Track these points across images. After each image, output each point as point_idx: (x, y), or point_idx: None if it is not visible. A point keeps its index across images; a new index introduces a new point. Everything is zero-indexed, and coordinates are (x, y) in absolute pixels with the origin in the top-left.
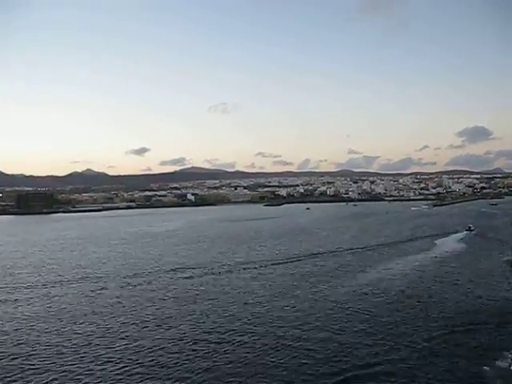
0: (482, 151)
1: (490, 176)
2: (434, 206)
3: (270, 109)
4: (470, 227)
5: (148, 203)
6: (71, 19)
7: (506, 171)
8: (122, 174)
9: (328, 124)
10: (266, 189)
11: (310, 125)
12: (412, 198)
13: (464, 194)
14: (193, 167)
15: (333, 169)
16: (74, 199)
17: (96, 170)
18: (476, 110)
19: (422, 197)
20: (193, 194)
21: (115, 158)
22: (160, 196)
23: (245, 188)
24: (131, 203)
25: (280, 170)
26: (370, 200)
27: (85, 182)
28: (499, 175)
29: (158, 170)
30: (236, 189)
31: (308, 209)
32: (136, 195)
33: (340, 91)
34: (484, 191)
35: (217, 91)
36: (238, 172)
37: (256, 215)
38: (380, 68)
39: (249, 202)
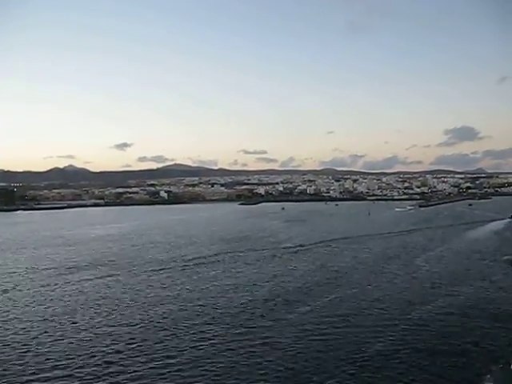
0: (469, 151)
1: (474, 176)
2: (420, 206)
3: (254, 105)
4: None
5: (118, 201)
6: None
7: (489, 171)
8: (104, 170)
9: (314, 122)
10: (244, 186)
11: (296, 122)
12: (396, 197)
13: (450, 193)
14: (175, 164)
15: (317, 167)
16: (41, 195)
17: (78, 165)
18: (464, 109)
19: (406, 196)
20: (166, 192)
21: (98, 154)
22: (131, 193)
23: (222, 186)
24: (99, 201)
25: (263, 168)
26: (351, 199)
27: (65, 177)
28: (483, 175)
29: (141, 166)
30: (213, 186)
31: (283, 209)
32: (107, 192)
33: (327, 89)
34: (470, 191)
35: (202, 87)
36: (221, 169)
37: (218, 217)
38: (368, 66)
39: (225, 200)
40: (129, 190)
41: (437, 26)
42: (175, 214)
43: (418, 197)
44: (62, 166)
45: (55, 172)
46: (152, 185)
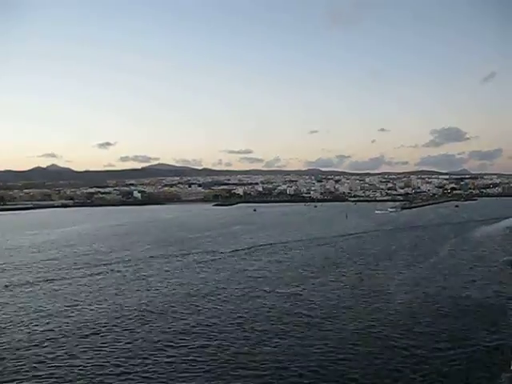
0: (455, 152)
1: (458, 177)
2: (403, 208)
3: (239, 105)
4: None
5: (88, 201)
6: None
7: (473, 172)
8: (87, 170)
9: (296, 121)
10: (222, 187)
11: (282, 123)
12: (378, 198)
13: (434, 195)
14: (159, 164)
15: (302, 167)
16: (11, 195)
17: (61, 165)
18: (451, 109)
19: (388, 197)
20: (140, 192)
21: (82, 154)
22: (103, 193)
23: (199, 186)
24: (69, 201)
25: (248, 168)
26: (332, 200)
27: (46, 177)
28: (467, 176)
29: (125, 166)
30: (190, 186)
31: (255, 210)
32: (78, 192)
33: (309, 87)
34: (455, 192)
35: (186, 87)
36: (205, 169)
37: (178, 220)
38: (358, 64)
39: (202, 200)
40: (101, 190)
41: (418, 30)
42: (138, 215)
43: (401, 198)
44: (44, 166)
45: (37, 171)
46: (131, 184)
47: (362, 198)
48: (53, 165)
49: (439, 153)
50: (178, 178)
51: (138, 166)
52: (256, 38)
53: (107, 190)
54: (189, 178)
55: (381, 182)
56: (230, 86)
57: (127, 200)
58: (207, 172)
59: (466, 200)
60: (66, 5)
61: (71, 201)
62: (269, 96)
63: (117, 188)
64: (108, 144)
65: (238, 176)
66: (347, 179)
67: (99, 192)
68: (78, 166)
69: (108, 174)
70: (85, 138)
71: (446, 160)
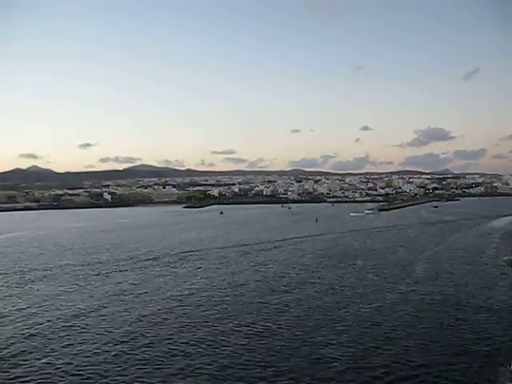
0: (440, 151)
1: (441, 176)
2: (380, 210)
3: (222, 105)
4: None
5: (55, 203)
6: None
7: (455, 172)
8: (68, 171)
9: (278, 120)
10: (197, 188)
11: (262, 121)
12: (357, 199)
13: (415, 195)
14: (141, 165)
15: (286, 167)
16: None
17: (42, 166)
18: (435, 109)
19: (368, 198)
20: (110, 194)
21: (64, 155)
22: (72, 195)
23: (174, 187)
24: (34, 203)
25: (231, 169)
26: (310, 201)
27: (25, 179)
28: (449, 176)
29: (106, 167)
30: (165, 187)
31: (221, 213)
32: (47, 194)
33: (297, 89)
34: (436, 192)
35: (168, 86)
36: (188, 170)
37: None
38: (340, 61)
39: (174, 202)
40: (69, 191)
41: (400, 23)
42: (97, 218)
43: (381, 198)
44: (24, 167)
45: (17, 173)
46: (107, 185)
47: (340, 199)
48: (33, 166)
49: (424, 152)
50: (156, 179)
51: (120, 167)
52: (237, 35)
53: (77, 191)
54: (167, 179)
55: (362, 182)
56: (212, 87)
57: (96, 202)
58: (190, 173)
59: (448, 200)
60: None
61: (36, 203)
62: (252, 95)
63: (87, 189)
64: (89, 145)
65: (218, 177)
66: (327, 179)
67: (67, 194)
68: (59, 168)
69: (89, 175)
70: (67, 138)
71: (431, 160)
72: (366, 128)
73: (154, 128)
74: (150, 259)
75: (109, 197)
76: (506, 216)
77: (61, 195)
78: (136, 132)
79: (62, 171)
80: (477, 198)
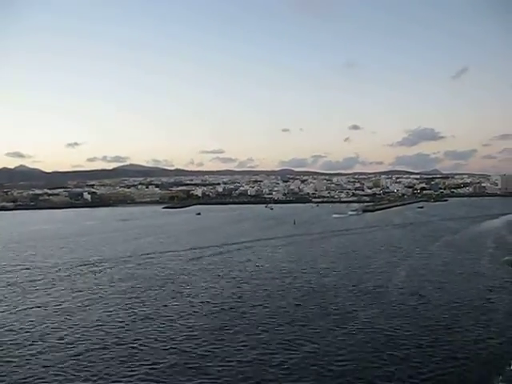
0: (430, 151)
1: (430, 177)
2: (365, 210)
3: (212, 103)
4: None
5: (32, 204)
6: None
7: (445, 172)
8: (56, 171)
9: (272, 120)
10: (181, 187)
11: (254, 122)
12: (343, 199)
13: (403, 195)
14: (130, 164)
15: (276, 167)
16: None
17: (29, 166)
18: (426, 109)
19: (354, 198)
20: (90, 194)
21: (52, 154)
22: (51, 195)
23: (157, 186)
24: (9, 204)
25: (220, 168)
26: (295, 201)
27: (12, 178)
28: (438, 176)
29: (96, 166)
30: (148, 187)
31: (199, 214)
32: (25, 194)
33: (286, 87)
34: (425, 192)
35: (158, 84)
36: (177, 170)
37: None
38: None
39: (156, 202)
40: (48, 191)
41: (389, 23)
42: (67, 220)
43: (368, 199)
44: (12, 166)
45: (3, 172)
46: (91, 185)
47: (326, 199)
48: (21, 165)
49: (414, 152)
50: (142, 179)
51: (109, 166)
52: (225, 35)
53: (56, 191)
54: (152, 179)
55: (349, 182)
56: (201, 86)
57: (76, 202)
58: (179, 172)
59: (435, 201)
60: None
61: (12, 203)
62: (241, 94)
63: (67, 189)
64: (77, 144)
65: (206, 176)
66: (314, 179)
67: (46, 194)
68: (47, 167)
69: (76, 174)
70: (55, 137)
71: (421, 160)
72: (355, 127)
73: (143, 128)
74: None
75: (89, 197)
76: (494, 218)
77: (39, 195)
78: (125, 131)
79: (50, 171)
80: (465, 199)
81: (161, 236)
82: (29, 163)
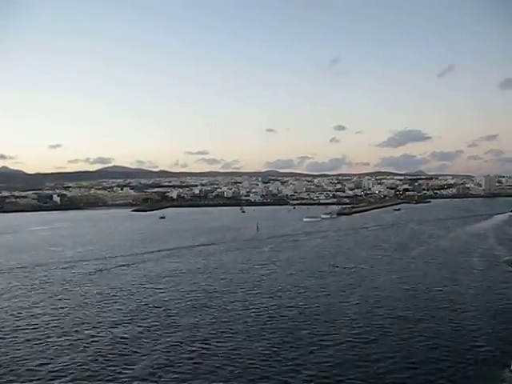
0: (417, 152)
1: (414, 177)
2: (340, 214)
3: (195, 104)
4: None
5: None
6: None
7: (430, 173)
8: (38, 172)
9: (258, 121)
10: (156, 189)
11: (240, 123)
12: (322, 201)
13: (385, 196)
14: (115, 166)
15: (261, 168)
16: None
17: (12, 167)
18: (413, 111)
19: (334, 200)
20: (59, 196)
21: (35, 155)
22: (18, 197)
23: (132, 188)
24: None
25: (205, 170)
26: (273, 204)
27: None
28: (422, 177)
29: (80, 167)
30: (122, 189)
31: (162, 218)
32: None
33: (269, 86)
34: (407, 193)
35: (142, 83)
36: (161, 171)
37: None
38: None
39: (129, 204)
40: (15, 193)
41: (375, 20)
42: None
43: (348, 200)
44: None
45: None
46: (68, 187)
47: (305, 201)
48: (3, 167)
49: (401, 153)
50: (120, 181)
51: (92, 168)
52: (211, 33)
53: (24, 193)
54: (132, 181)
55: (330, 183)
56: (186, 86)
57: (44, 205)
58: (163, 174)
59: (417, 202)
60: None
61: None
62: (226, 95)
63: (37, 191)
64: (59, 145)
65: (188, 178)
66: (295, 180)
67: (13, 196)
68: (30, 169)
69: (60, 176)
70: (37, 138)
71: (407, 161)
72: (341, 127)
73: (128, 129)
74: None
75: (58, 199)
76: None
77: (6, 197)
78: (109, 133)
79: (32, 172)
80: (448, 200)
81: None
82: (10, 164)
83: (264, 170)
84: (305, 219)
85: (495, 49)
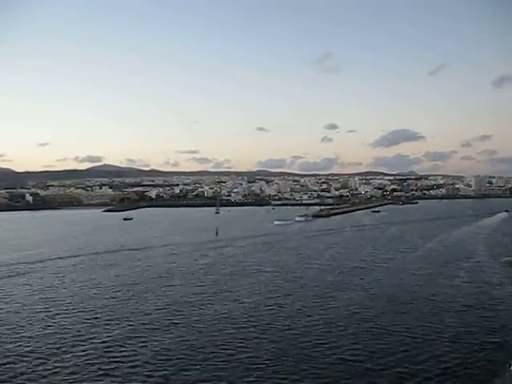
0: (410, 152)
1: (404, 178)
2: (316, 216)
3: (188, 102)
4: None
5: None
6: None
7: (420, 173)
8: (27, 171)
9: (249, 120)
10: (135, 188)
11: (230, 122)
12: (305, 201)
13: (371, 197)
14: (105, 165)
15: (253, 168)
16: None
17: (1, 165)
18: (404, 109)
19: (317, 201)
20: (32, 195)
21: (24, 153)
22: None
23: (110, 187)
24: None
25: (196, 169)
26: (253, 204)
27: None
28: (412, 177)
29: (69, 166)
30: (101, 188)
31: (130, 219)
32: None
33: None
34: (394, 194)
35: (133, 82)
36: (152, 170)
37: None
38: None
39: (105, 204)
40: None
41: (366, 20)
42: None
43: (332, 201)
44: None
45: None
46: (50, 186)
47: (287, 201)
48: None
49: (394, 153)
50: (107, 179)
51: (82, 166)
52: (199, 27)
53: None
54: (115, 180)
55: (316, 182)
56: (176, 86)
57: (16, 204)
58: (155, 173)
59: (404, 203)
60: None
61: None
62: (217, 94)
63: (10, 190)
64: (48, 144)
65: (175, 177)
66: (280, 180)
67: None
68: (19, 167)
69: (49, 174)
70: (26, 136)
71: (400, 161)
72: (333, 126)
73: (118, 127)
74: None
75: (30, 198)
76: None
77: None
78: (99, 131)
79: (22, 170)
80: (436, 201)
81: None
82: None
83: (255, 170)
84: (275, 222)
85: (489, 47)
